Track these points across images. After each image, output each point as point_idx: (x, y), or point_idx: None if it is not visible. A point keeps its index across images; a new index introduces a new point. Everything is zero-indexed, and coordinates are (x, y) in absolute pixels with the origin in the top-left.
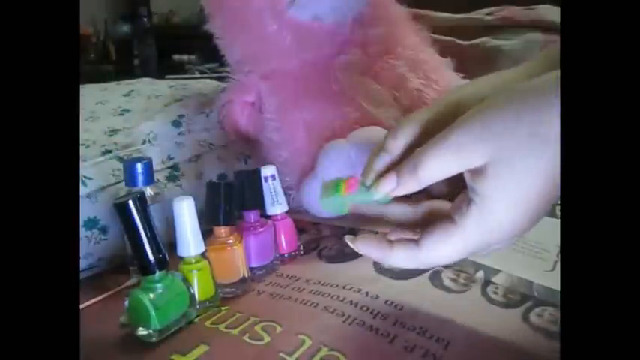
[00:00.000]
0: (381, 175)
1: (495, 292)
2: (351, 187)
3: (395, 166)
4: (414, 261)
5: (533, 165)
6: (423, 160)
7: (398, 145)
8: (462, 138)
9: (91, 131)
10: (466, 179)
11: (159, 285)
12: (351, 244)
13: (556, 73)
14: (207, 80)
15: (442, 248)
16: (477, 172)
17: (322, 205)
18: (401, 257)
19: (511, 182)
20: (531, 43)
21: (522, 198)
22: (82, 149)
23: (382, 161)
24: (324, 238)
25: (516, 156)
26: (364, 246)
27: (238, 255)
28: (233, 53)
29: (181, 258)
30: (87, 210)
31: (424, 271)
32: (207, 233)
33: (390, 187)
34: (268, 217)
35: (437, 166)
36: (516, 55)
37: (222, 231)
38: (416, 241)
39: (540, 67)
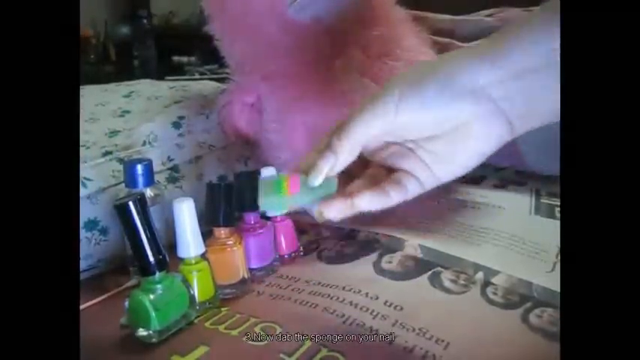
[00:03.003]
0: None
1: (495, 293)
2: (294, 186)
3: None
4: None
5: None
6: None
7: (343, 145)
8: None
9: (91, 132)
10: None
11: (159, 286)
12: (320, 218)
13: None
14: (207, 81)
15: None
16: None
17: (262, 204)
18: (366, 199)
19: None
20: None
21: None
22: (82, 150)
23: (328, 162)
24: (324, 240)
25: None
26: (331, 211)
27: (238, 256)
28: (233, 54)
29: (181, 259)
30: (87, 211)
31: (424, 272)
32: (207, 234)
33: (329, 163)
34: (268, 219)
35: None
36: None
37: (222, 232)
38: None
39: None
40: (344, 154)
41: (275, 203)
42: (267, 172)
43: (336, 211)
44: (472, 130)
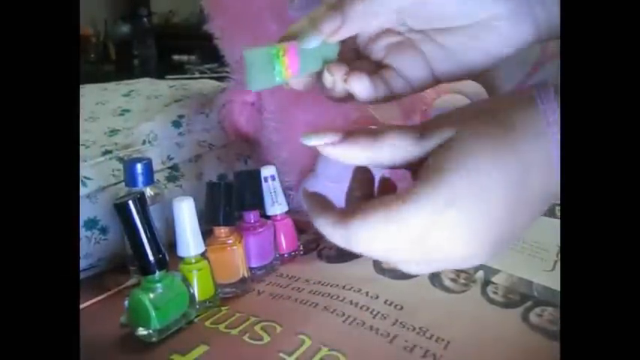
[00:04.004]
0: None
1: (495, 292)
2: (292, 62)
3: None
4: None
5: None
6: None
7: (355, 7)
8: None
9: (91, 131)
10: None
11: (159, 285)
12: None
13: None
14: (207, 80)
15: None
16: (448, 142)
17: (251, 82)
18: (359, 79)
19: (482, 163)
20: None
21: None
22: (82, 149)
23: (333, 23)
24: (324, 238)
25: (490, 141)
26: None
27: (238, 255)
28: (233, 53)
29: (181, 258)
30: (87, 210)
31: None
32: (207, 233)
33: (335, 24)
34: (268, 217)
35: None
36: (516, 56)
37: (222, 231)
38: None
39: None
40: (354, 20)
41: (269, 81)
42: (267, 171)
43: (340, 74)
44: (498, 26)
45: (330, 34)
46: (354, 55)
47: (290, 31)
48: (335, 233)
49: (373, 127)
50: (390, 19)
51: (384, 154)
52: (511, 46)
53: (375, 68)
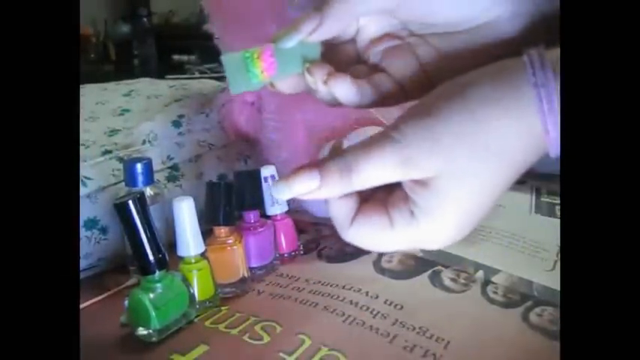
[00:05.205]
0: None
1: (495, 292)
2: (269, 65)
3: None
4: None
5: (487, 179)
6: (360, 164)
7: (334, 7)
8: (410, 150)
9: (90, 131)
10: (406, 189)
11: (159, 285)
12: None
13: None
14: (207, 80)
15: (368, 242)
16: (421, 184)
17: (230, 85)
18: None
19: (459, 199)
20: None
21: (466, 214)
22: (82, 149)
23: (311, 23)
24: (324, 238)
25: (468, 170)
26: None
27: (238, 255)
28: None
29: (181, 258)
30: (87, 210)
31: (424, 270)
32: (207, 233)
33: (313, 24)
34: (268, 217)
35: (375, 174)
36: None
37: (222, 231)
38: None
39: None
40: (332, 19)
41: (246, 83)
42: (267, 170)
43: (320, 74)
44: (498, 27)
45: (308, 33)
46: (354, 60)
47: (274, 34)
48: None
49: (345, 154)
50: (390, 23)
51: (362, 186)
52: (511, 46)
53: (371, 72)
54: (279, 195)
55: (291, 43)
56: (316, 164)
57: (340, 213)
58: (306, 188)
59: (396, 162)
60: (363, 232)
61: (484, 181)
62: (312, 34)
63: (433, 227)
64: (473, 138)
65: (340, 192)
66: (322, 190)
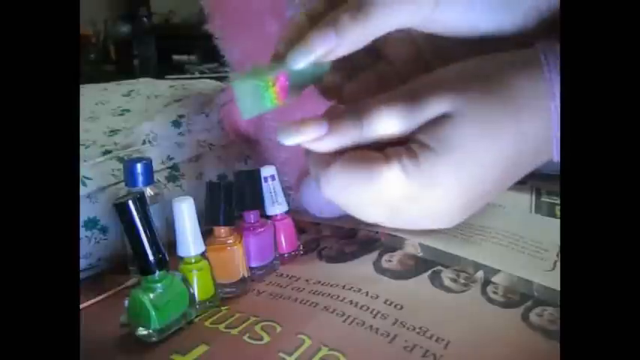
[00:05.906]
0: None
1: (495, 292)
2: (282, 91)
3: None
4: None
5: (495, 129)
6: (369, 108)
7: (355, 30)
8: (417, 86)
9: (90, 131)
10: (421, 133)
11: (159, 285)
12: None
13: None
14: (207, 80)
15: (351, 187)
16: (426, 126)
17: (243, 112)
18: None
19: (481, 142)
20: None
21: (470, 178)
22: (81, 149)
23: (326, 43)
24: (324, 238)
25: (480, 110)
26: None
27: (238, 255)
28: (233, 53)
29: (181, 258)
30: (87, 210)
31: (424, 270)
32: (207, 233)
33: (329, 46)
34: (268, 217)
35: (386, 114)
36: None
37: (222, 231)
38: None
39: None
40: (350, 41)
41: (260, 109)
42: (267, 170)
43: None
44: (503, 33)
45: (324, 56)
46: (367, 56)
47: (279, 50)
48: (312, 170)
49: (356, 103)
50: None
51: (371, 134)
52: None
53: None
54: (286, 141)
55: (304, 64)
56: (325, 113)
57: (323, 149)
58: (315, 133)
59: (405, 98)
60: (350, 171)
61: (492, 133)
62: (327, 56)
63: (434, 173)
64: (485, 78)
65: (349, 139)
66: (332, 137)
